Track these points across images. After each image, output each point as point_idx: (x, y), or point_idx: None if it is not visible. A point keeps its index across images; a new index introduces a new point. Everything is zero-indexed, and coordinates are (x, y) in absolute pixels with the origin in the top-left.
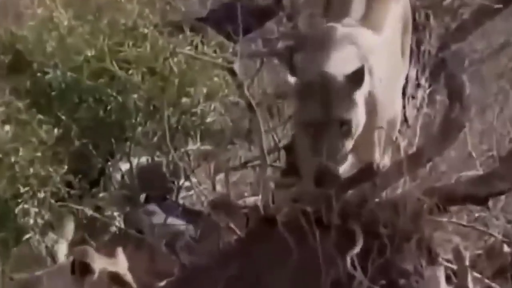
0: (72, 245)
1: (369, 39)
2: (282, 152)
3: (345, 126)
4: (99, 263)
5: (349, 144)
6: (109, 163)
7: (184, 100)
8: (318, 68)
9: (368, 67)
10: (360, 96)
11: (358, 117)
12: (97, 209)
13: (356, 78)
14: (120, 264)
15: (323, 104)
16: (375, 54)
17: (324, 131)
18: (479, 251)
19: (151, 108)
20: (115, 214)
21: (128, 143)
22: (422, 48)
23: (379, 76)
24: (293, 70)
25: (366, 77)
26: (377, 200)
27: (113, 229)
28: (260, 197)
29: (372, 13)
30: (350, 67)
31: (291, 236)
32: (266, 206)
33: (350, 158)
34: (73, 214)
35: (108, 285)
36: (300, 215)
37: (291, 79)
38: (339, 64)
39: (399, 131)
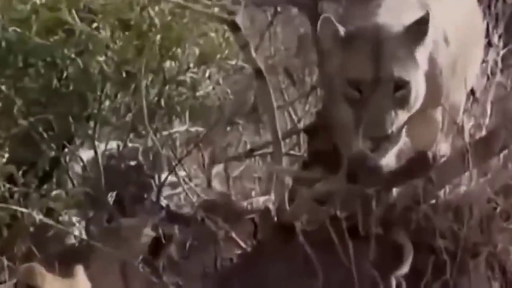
0: (15, 261)
1: None
2: (303, 136)
3: (401, 91)
4: (52, 286)
5: (404, 116)
6: (66, 150)
7: (169, 64)
8: (365, 20)
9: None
10: (422, 54)
11: (419, 81)
12: (49, 212)
13: (419, 29)
14: (80, 287)
15: (375, 60)
16: (440, 2)
17: (374, 95)
18: None
19: (123, 75)
20: (74, 219)
21: (91, 123)
22: None
23: (444, 30)
24: None
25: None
26: (433, 201)
27: (71, 239)
28: (272, 197)
29: None
30: (409, 16)
31: (315, 250)
32: (281, 209)
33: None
34: (15, 219)
35: None
36: (327, 222)
37: (340, 29)
38: (394, 12)
39: (464, 107)
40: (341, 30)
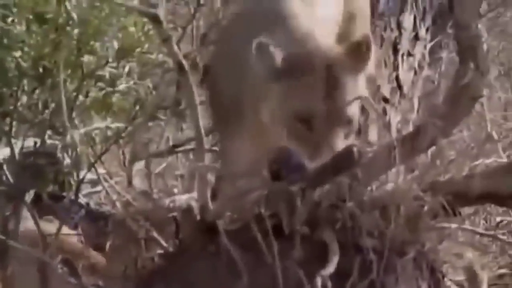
0: None
1: None
2: None
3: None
4: None
5: None
6: None
7: (87, 58)
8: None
9: None
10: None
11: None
12: None
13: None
14: None
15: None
16: None
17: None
18: (502, 270)
19: (41, 70)
20: None
21: (7, 119)
22: None
23: None
24: None
25: None
26: (359, 199)
27: None
28: (195, 195)
29: None
30: None
31: (239, 250)
32: (204, 208)
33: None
34: None
35: None
36: (251, 220)
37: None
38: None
39: (390, 102)
40: (279, 58)
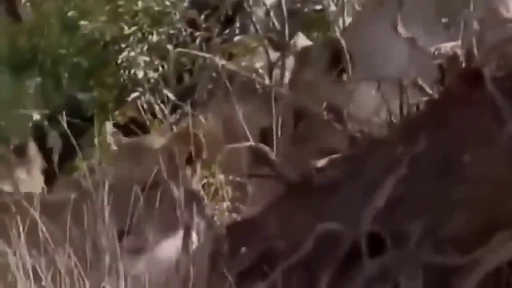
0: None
1: None
2: None
3: None
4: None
5: None
6: None
7: None
8: None
9: None
10: None
11: None
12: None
13: None
14: None
15: None
16: None
17: None
18: None
19: None
20: (257, 65)
21: None
22: None
23: None
24: None
25: None
26: None
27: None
28: (459, 43)
29: None
30: None
31: (504, 97)
32: (469, 55)
33: None
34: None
35: None
36: None
37: None
38: None
39: None
40: None
